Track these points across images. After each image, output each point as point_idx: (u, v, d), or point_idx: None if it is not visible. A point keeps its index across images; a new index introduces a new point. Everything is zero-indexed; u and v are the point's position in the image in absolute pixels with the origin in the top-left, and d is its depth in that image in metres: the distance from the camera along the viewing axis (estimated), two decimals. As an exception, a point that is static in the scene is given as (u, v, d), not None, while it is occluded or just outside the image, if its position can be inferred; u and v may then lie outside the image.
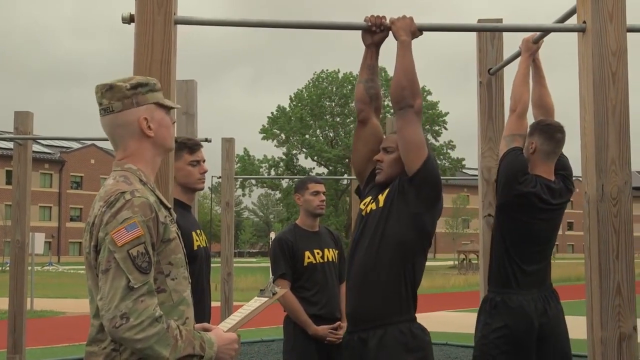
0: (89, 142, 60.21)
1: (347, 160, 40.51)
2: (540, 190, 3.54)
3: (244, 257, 77.15)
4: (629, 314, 2.75)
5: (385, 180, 3.19)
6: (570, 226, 73.11)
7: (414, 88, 3.04)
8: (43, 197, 59.60)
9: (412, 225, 3.05)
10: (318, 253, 4.53)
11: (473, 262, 36.60)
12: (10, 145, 45.82)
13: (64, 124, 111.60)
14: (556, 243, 3.87)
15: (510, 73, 3.89)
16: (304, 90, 45.99)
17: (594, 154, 2.79)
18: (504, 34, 4.08)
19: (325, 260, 4.55)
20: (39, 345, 10.50)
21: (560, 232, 3.85)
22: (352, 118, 43.64)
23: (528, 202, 3.53)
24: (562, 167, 3.71)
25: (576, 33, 2.92)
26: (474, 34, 4.07)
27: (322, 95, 45.49)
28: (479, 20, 3.82)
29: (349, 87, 43.89)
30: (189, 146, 3.68)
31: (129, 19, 2.73)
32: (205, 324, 2.33)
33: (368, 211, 3.18)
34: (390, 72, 3.20)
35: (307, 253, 4.49)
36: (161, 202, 2.17)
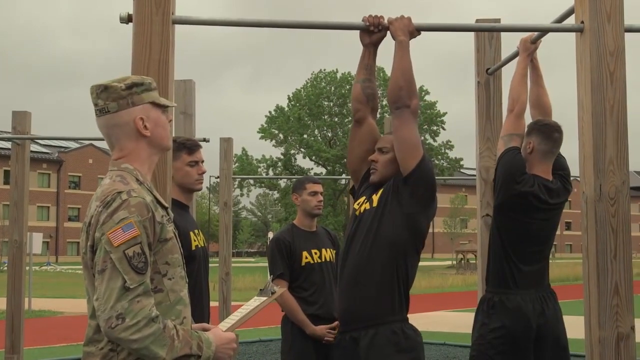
0: (87, 142, 60.17)
1: (345, 160, 40.47)
2: (538, 190, 3.54)
3: (242, 257, 77.08)
4: (626, 313, 2.75)
5: (379, 181, 3.19)
6: (568, 226, 73.20)
7: (410, 88, 3.05)
8: (41, 197, 59.54)
9: (405, 225, 3.04)
10: (316, 253, 4.53)
11: (471, 262, 36.62)
12: (8, 145, 45.71)
13: (62, 123, 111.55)
14: (554, 243, 3.87)
15: (508, 73, 3.89)
16: (302, 90, 46.02)
17: (592, 153, 2.80)
18: (502, 34, 4.08)
19: (323, 260, 4.55)
20: (37, 345, 10.50)
21: (558, 232, 3.86)
22: (350, 118, 43.42)
23: (526, 202, 3.53)
24: (560, 167, 3.71)
25: (574, 33, 2.93)
26: (472, 34, 4.08)
27: (321, 95, 45.53)
28: (477, 20, 3.82)
29: (347, 87, 43.91)
30: (188, 147, 3.68)
31: (127, 19, 2.73)
32: (204, 324, 2.34)
33: (362, 211, 3.18)
34: (389, 72, 3.19)
35: (305, 253, 4.49)
36: (158, 202, 2.16)
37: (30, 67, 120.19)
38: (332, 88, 45.71)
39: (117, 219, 1.99)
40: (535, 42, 3.71)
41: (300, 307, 4.40)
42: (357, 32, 3.15)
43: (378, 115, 3.44)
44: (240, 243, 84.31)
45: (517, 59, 3.78)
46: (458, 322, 13.17)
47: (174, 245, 2.15)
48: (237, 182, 43.98)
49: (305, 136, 45.47)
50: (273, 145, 46.07)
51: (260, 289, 2.49)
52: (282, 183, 45.77)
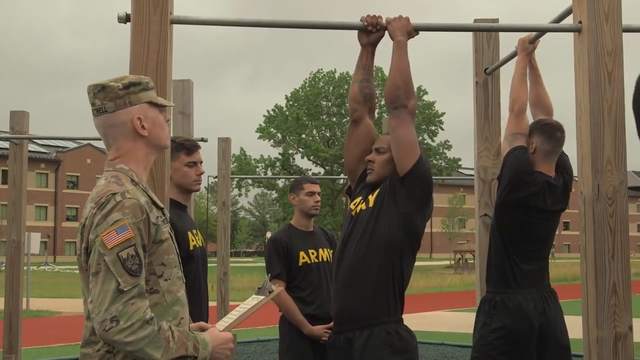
0: (85, 142, 60.10)
1: (343, 160, 40.50)
2: (542, 190, 3.55)
3: (240, 256, 77.01)
4: (624, 313, 2.75)
5: (376, 181, 3.19)
6: (566, 226, 73.24)
7: (408, 88, 3.05)
8: (39, 196, 59.50)
9: (401, 225, 3.04)
10: (313, 253, 4.53)
11: (469, 261, 36.62)
12: (6, 144, 45.71)
13: (61, 123, 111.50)
14: (553, 243, 3.88)
15: (506, 73, 3.88)
16: (301, 90, 46.01)
17: (590, 153, 2.80)
18: (501, 34, 4.08)
19: (320, 260, 4.55)
20: (35, 345, 10.49)
21: (556, 232, 3.87)
22: (348, 118, 43.60)
23: (530, 203, 3.54)
24: (562, 165, 3.72)
25: (572, 33, 2.93)
26: (470, 34, 4.08)
27: (319, 95, 45.52)
28: (475, 20, 3.83)
29: (346, 87, 43.89)
30: (187, 147, 3.67)
31: (125, 19, 2.72)
32: (202, 323, 2.33)
33: (358, 211, 3.18)
34: (387, 72, 3.19)
35: (302, 253, 4.49)
36: (153, 203, 2.15)
37: (30, 67, 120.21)
38: (331, 88, 45.70)
39: (111, 220, 1.98)
40: (533, 42, 3.71)
41: (297, 307, 4.40)
42: (356, 32, 3.16)
43: (376, 115, 3.43)
44: (238, 243, 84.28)
45: (515, 59, 3.79)
46: (456, 322, 13.18)
47: (169, 246, 2.14)
48: (235, 182, 43.96)
49: (303, 136, 45.46)
50: (271, 145, 46.09)
51: (258, 288, 2.49)
52: (281, 183, 45.79)
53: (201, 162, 3.72)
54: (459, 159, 46.77)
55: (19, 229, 5.92)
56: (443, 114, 45.79)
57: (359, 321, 3.03)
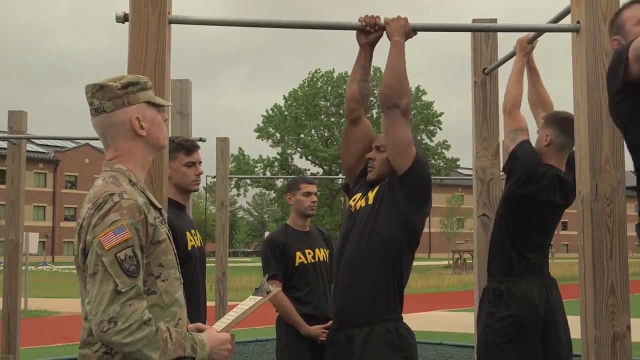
0: (83, 142, 60.05)
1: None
2: (553, 184, 3.56)
3: (239, 256, 76.98)
4: (622, 313, 2.76)
5: (376, 178, 3.21)
6: (564, 226, 73.21)
7: (401, 88, 3.05)
8: (37, 196, 59.46)
9: (401, 223, 3.06)
10: (309, 253, 4.53)
11: (467, 261, 36.61)
12: (4, 144, 45.67)
13: (61, 123, 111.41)
14: (551, 242, 3.90)
15: (505, 73, 3.88)
16: (299, 89, 46.00)
17: (588, 153, 2.80)
18: (499, 34, 4.09)
19: (317, 260, 4.54)
20: (33, 345, 10.47)
21: (555, 232, 3.89)
22: (347, 118, 43.61)
23: (540, 197, 3.56)
24: (573, 158, 3.73)
25: (570, 33, 2.93)
26: (469, 34, 4.08)
27: (317, 94, 45.51)
28: (474, 21, 3.83)
29: (344, 86, 43.79)
30: (186, 147, 3.67)
31: (123, 18, 2.72)
32: (199, 324, 2.32)
33: (357, 208, 3.19)
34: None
35: (299, 253, 4.49)
36: (151, 203, 2.15)
37: (30, 67, 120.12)
38: (329, 88, 45.71)
39: (109, 221, 1.98)
40: (531, 42, 3.71)
41: (294, 307, 4.40)
42: (355, 32, 3.16)
43: (375, 115, 3.45)
44: (236, 243, 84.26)
45: (513, 59, 3.79)
46: (454, 321, 13.18)
47: (167, 247, 2.14)
48: (233, 182, 43.96)
49: (302, 136, 45.46)
50: (270, 145, 46.10)
51: (256, 288, 2.49)
52: (279, 183, 45.75)
53: (200, 162, 3.72)
54: (458, 159, 46.81)
55: (17, 228, 5.91)
56: (441, 114, 45.82)
57: (359, 318, 3.05)
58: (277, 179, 46.84)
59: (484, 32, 3.99)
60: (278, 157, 46.00)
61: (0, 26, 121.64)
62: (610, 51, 2.79)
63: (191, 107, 5.38)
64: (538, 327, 3.54)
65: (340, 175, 29.58)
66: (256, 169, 45.71)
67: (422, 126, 44.75)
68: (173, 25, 2.79)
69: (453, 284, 26.66)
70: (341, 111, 44.94)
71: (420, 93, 45.58)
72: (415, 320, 12.00)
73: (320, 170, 44.83)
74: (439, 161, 45.51)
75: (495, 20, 3.82)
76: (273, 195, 49.87)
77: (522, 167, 3.57)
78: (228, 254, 7.91)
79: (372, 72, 3.43)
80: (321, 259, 4.57)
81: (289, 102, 45.92)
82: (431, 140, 45.70)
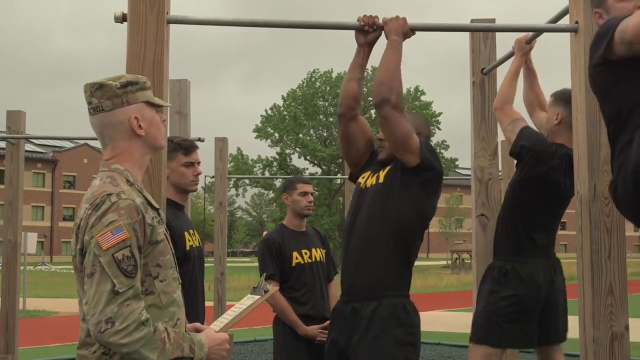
0: (82, 142, 60.03)
1: (340, 159, 40.49)
2: (563, 163, 3.57)
3: (237, 256, 77.01)
4: (620, 313, 2.76)
5: (386, 158, 3.25)
6: (563, 226, 73.05)
7: (391, 83, 3.06)
8: (35, 196, 59.43)
9: (411, 206, 3.11)
10: (306, 253, 4.53)
11: (466, 261, 36.62)
12: (2, 144, 45.56)
13: (60, 123, 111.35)
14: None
15: (503, 73, 3.90)
16: (298, 89, 45.98)
17: (586, 153, 2.80)
18: (498, 34, 4.09)
19: (313, 260, 4.54)
20: (32, 345, 10.46)
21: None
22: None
23: (552, 178, 3.58)
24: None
25: (569, 33, 2.93)
26: (467, 34, 4.08)
27: (316, 94, 45.49)
28: (472, 21, 3.83)
29: (343, 86, 43.85)
30: (185, 147, 3.66)
31: (122, 18, 2.72)
32: (197, 324, 2.32)
33: (368, 185, 3.24)
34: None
35: (295, 253, 4.49)
36: (149, 203, 2.14)
37: (30, 66, 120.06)
38: (328, 88, 45.67)
39: (106, 221, 1.97)
40: (530, 42, 3.72)
41: (291, 307, 4.40)
42: (354, 32, 3.16)
43: (373, 115, 3.49)
44: (235, 243, 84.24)
45: (512, 59, 3.79)
46: (453, 321, 13.19)
47: (165, 247, 2.13)
48: (232, 182, 43.93)
49: (300, 136, 45.43)
50: (268, 145, 46.05)
51: (253, 287, 2.49)
52: (278, 183, 45.71)
53: (199, 162, 3.71)
54: (456, 159, 46.81)
55: (16, 228, 5.91)
56: (440, 114, 45.84)
57: (368, 292, 3.09)
58: (276, 179, 46.85)
59: (482, 32, 3.99)
60: (277, 157, 45.97)
61: (0, 26, 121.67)
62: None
63: (190, 107, 5.38)
64: (538, 308, 3.58)
65: (339, 175, 29.58)
66: (255, 169, 45.68)
67: (421, 126, 44.70)
68: (172, 25, 2.79)
69: (451, 284, 26.66)
70: (340, 111, 44.89)
71: (419, 93, 45.60)
72: (414, 320, 11.97)
73: (319, 170, 44.81)
74: (437, 161, 45.48)
75: (493, 21, 3.82)
76: (272, 195, 49.84)
77: (530, 151, 3.59)
78: (226, 254, 7.91)
79: (369, 72, 3.42)
80: (318, 259, 4.57)
81: (287, 102, 45.89)
82: (430, 141, 45.67)
